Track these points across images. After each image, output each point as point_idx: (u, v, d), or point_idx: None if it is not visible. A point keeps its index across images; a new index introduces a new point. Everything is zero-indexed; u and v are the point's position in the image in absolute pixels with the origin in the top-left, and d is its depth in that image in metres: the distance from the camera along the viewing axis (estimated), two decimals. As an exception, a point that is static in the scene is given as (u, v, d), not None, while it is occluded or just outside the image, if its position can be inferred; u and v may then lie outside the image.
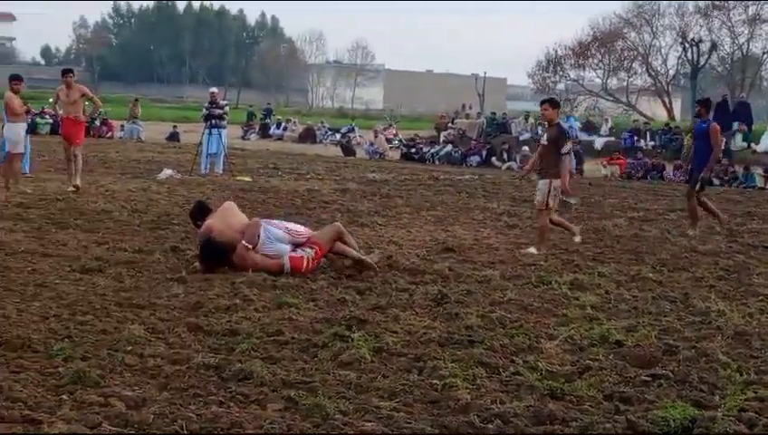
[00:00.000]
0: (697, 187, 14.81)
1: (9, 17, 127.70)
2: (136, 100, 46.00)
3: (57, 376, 5.88)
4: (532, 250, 12.09)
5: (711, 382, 6.23)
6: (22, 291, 8.33)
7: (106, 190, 17.34)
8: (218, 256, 9.76)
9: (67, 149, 17.36)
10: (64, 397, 5.50)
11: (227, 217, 10.16)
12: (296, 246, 9.89)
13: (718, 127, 15.13)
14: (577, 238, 12.76)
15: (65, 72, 17.74)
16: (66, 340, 6.74)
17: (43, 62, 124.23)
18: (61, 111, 18.66)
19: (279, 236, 9.81)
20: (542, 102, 12.95)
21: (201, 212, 10.68)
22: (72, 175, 17.05)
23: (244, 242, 9.74)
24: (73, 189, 16.48)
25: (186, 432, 5.04)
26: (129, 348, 6.61)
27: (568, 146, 12.50)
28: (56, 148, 18.99)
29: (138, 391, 5.64)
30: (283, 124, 48.19)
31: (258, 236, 9.77)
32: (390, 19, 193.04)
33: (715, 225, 15.30)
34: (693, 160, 15.40)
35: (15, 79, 16.87)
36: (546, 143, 12.50)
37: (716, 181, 27.60)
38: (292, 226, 10.12)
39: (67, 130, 17.54)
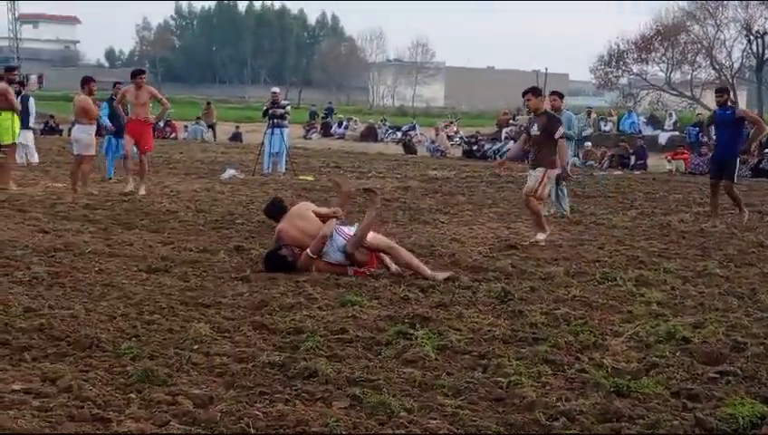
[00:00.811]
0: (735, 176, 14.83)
1: (73, 20, 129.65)
2: (208, 104, 46.52)
3: (125, 375, 5.94)
4: (540, 236, 12.12)
5: (780, 379, 6.15)
6: (89, 291, 8.45)
7: (171, 191, 17.52)
8: (285, 267, 9.75)
9: (129, 147, 17.12)
10: (133, 395, 5.56)
11: (299, 223, 10.12)
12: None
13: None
14: (540, 236, 12.31)
15: (136, 74, 17.65)
16: (134, 339, 6.82)
17: (107, 64, 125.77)
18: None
19: (342, 247, 9.77)
20: (525, 93, 12.75)
21: (277, 211, 10.68)
22: (136, 179, 16.97)
23: (308, 251, 9.77)
24: (143, 195, 16.30)
25: (252, 430, 5.07)
26: (196, 347, 6.67)
27: (561, 130, 12.31)
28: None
29: (205, 390, 5.69)
30: (345, 123, 48.41)
31: (325, 244, 9.79)
32: (450, 16, 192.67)
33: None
34: (716, 151, 15.34)
35: (92, 81, 17.07)
36: (538, 133, 12.33)
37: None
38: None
39: (135, 131, 17.25)
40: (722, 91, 15.21)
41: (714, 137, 15.93)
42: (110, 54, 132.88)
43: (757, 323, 7.87)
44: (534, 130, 12.46)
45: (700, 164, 29.85)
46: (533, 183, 12.30)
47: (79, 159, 16.61)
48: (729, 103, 15.07)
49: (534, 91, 12.61)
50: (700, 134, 34.31)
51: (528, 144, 12.89)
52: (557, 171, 12.58)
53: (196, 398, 5.51)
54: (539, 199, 12.45)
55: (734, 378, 6.15)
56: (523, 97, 12.83)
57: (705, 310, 8.35)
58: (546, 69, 63.78)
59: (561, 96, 15.30)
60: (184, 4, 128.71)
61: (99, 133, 17.94)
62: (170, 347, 6.63)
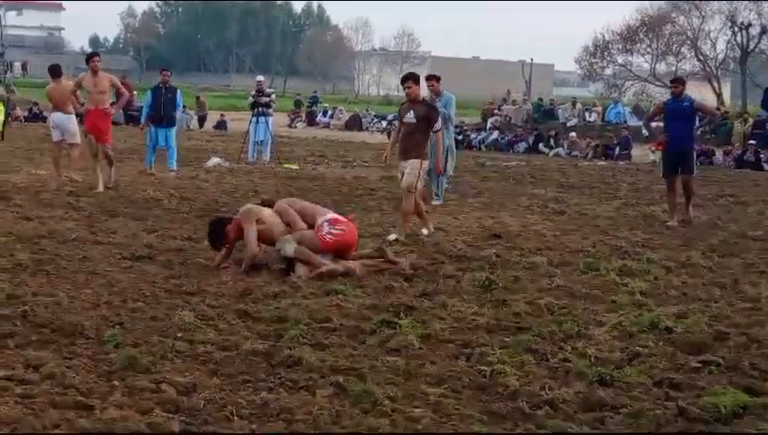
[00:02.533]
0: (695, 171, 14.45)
1: (57, 7, 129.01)
2: (198, 97, 46.51)
3: (109, 362, 5.95)
4: (393, 236, 11.47)
5: (763, 368, 6.17)
6: (73, 278, 8.43)
7: (155, 179, 17.46)
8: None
9: (93, 144, 15.81)
10: (116, 383, 5.56)
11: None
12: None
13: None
14: (425, 231, 11.87)
15: (91, 57, 16.02)
16: (117, 326, 6.81)
17: (91, 51, 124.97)
18: (83, 100, 17.23)
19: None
20: (404, 80, 12.02)
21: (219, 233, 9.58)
22: (107, 173, 15.77)
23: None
24: (108, 188, 15.26)
25: (236, 418, 5.08)
26: (180, 334, 6.67)
27: (440, 123, 11.88)
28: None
29: (188, 377, 5.69)
30: (330, 112, 48.28)
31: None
32: (437, 6, 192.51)
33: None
34: (670, 144, 14.20)
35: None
36: (414, 121, 11.66)
37: (767, 166, 27.28)
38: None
39: (93, 123, 15.72)
40: (678, 82, 14.59)
41: (652, 128, 15.29)
42: (94, 41, 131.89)
43: (739, 313, 7.91)
44: (410, 117, 11.76)
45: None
46: (413, 178, 11.61)
47: (59, 145, 16.38)
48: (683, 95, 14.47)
49: (415, 78, 12.08)
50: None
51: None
52: (427, 163, 11.99)
53: (180, 385, 5.52)
54: (413, 192, 11.70)
55: (716, 368, 6.18)
56: (403, 84, 12.09)
57: (688, 300, 8.39)
58: (532, 59, 63.88)
59: (437, 79, 15.07)
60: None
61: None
62: (154, 335, 6.63)
